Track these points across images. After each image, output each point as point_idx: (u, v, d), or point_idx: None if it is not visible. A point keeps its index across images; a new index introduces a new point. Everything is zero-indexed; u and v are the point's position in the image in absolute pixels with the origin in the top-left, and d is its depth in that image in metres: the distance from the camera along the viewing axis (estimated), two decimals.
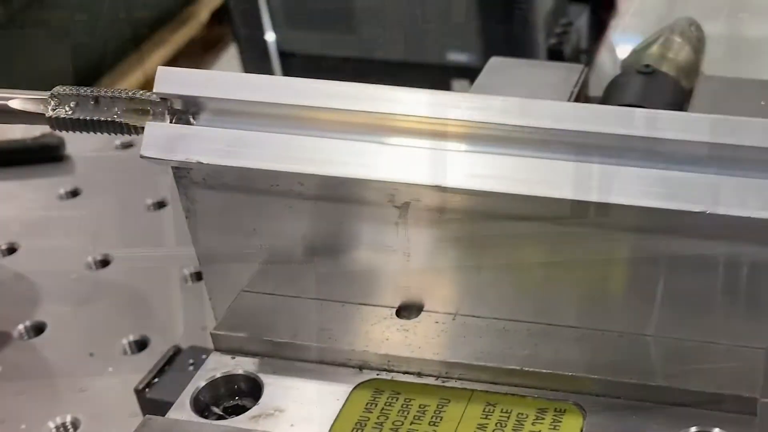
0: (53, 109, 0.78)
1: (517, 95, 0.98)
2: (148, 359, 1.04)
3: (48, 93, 0.79)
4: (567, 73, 1.07)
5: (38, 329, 1.13)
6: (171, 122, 0.73)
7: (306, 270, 0.76)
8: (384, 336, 0.73)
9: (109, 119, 0.76)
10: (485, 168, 0.67)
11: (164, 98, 0.74)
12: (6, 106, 0.80)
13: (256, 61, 3.04)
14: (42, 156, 1.39)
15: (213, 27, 4.06)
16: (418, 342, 0.72)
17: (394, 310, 0.75)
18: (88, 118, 0.77)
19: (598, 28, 2.92)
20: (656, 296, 0.69)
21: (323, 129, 0.71)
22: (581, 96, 1.07)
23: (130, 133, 0.76)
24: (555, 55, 2.54)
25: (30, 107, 0.80)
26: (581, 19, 2.83)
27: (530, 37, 2.67)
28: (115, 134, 0.77)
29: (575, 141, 0.66)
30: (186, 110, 0.73)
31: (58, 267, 1.21)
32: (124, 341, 1.09)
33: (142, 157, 0.73)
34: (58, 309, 1.15)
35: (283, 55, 3.00)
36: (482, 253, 0.72)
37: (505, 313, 0.73)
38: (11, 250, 1.26)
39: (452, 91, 0.78)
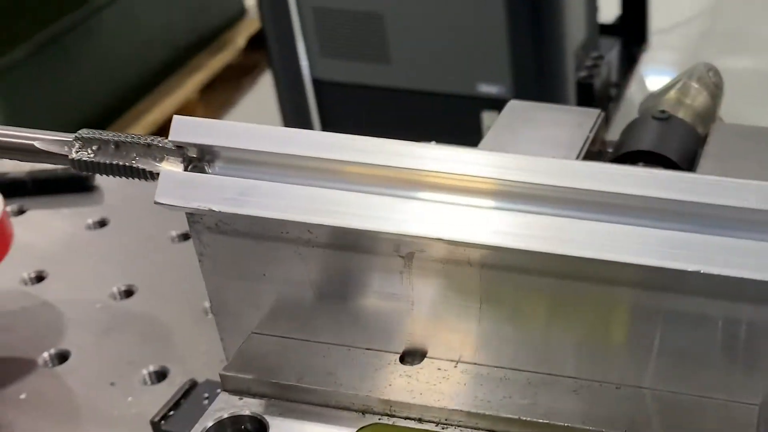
0: (76, 152, 0.80)
1: (534, 138, 1.01)
2: (167, 390, 1.06)
3: (72, 135, 0.81)
4: (583, 117, 1.08)
5: (62, 357, 1.15)
6: (186, 169, 0.75)
7: (314, 314, 0.77)
8: (387, 381, 0.74)
9: (128, 164, 0.78)
10: (479, 222, 0.68)
11: (179, 146, 0.75)
12: (32, 146, 0.83)
13: (290, 88, 3.06)
14: (72, 186, 1.41)
15: (250, 53, 4.10)
16: (420, 388, 0.73)
17: (398, 356, 0.76)
18: (108, 162, 0.79)
19: (629, 61, 2.93)
20: (654, 350, 0.70)
21: (332, 180, 0.73)
22: (597, 140, 1.08)
23: (146, 179, 0.77)
24: (584, 88, 2.56)
25: (54, 148, 0.82)
26: (612, 53, 2.84)
27: (560, 70, 2.68)
28: (134, 178, 0.78)
29: (579, 198, 0.67)
30: (200, 158, 0.75)
31: (83, 296, 1.23)
32: (144, 372, 1.10)
33: (156, 203, 0.74)
34: (82, 337, 1.17)
35: (317, 83, 3.02)
36: (486, 304, 0.73)
37: (505, 362, 0.74)
38: (39, 278, 1.28)
39: (464, 145, 0.80)
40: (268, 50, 3.06)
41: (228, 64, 4.12)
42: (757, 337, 0.68)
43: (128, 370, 1.11)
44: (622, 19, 3.44)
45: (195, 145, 0.75)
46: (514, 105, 1.13)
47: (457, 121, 2.68)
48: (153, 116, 3.71)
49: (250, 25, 4.12)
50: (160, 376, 1.11)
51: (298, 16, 2.95)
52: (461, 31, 2.74)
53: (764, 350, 0.68)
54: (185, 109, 3.85)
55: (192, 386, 0.97)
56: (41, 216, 1.40)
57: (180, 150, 0.75)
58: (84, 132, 0.81)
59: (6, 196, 1.42)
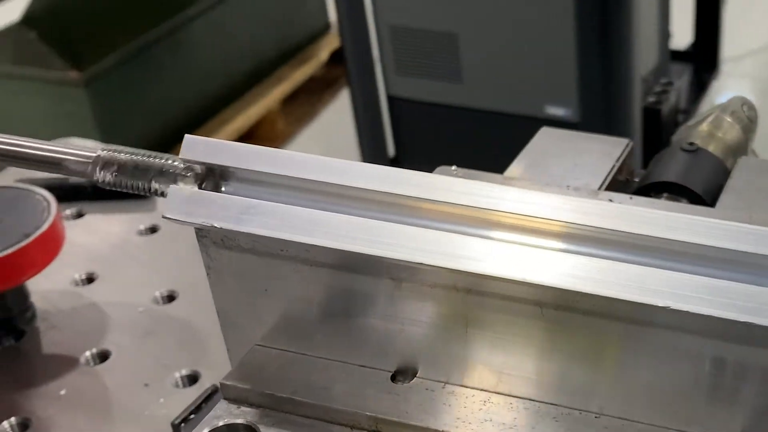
0: (100, 170, 0.82)
1: (560, 164, 1.01)
2: (196, 394, 1.08)
3: (96, 153, 0.83)
4: (610, 147, 1.08)
5: (103, 356, 1.18)
6: (200, 187, 0.77)
7: (312, 330, 0.79)
8: (376, 399, 0.75)
9: (144, 184, 0.80)
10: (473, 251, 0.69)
11: (189, 165, 0.77)
12: (62, 160, 0.85)
13: (365, 103, 3.08)
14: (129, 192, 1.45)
15: (332, 67, 4.13)
16: (406, 407, 0.74)
17: (390, 374, 0.77)
18: (126, 181, 0.81)
19: (700, 88, 2.90)
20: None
21: (332, 202, 0.74)
22: (624, 169, 1.08)
23: (162, 195, 0.80)
24: (651, 113, 2.54)
25: (80, 166, 0.84)
26: (683, 79, 2.82)
27: (627, 95, 2.66)
28: (150, 194, 0.81)
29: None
30: (210, 176, 0.77)
31: (128, 299, 1.26)
32: (177, 375, 1.13)
33: (164, 217, 0.76)
34: (123, 339, 1.20)
35: (391, 99, 3.04)
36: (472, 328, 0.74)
37: (491, 386, 0.75)
38: (90, 279, 1.31)
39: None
40: (346, 66, 3.09)
41: (310, 77, 4.16)
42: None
43: (162, 373, 1.14)
44: (695, 46, 3.41)
45: (203, 164, 0.76)
46: (545, 131, 1.13)
47: (523, 142, 2.66)
48: (235, 125, 3.75)
49: (334, 39, 4.15)
50: (192, 380, 1.13)
51: (375, 34, 2.97)
52: (531, 53, 2.74)
53: None
54: (266, 120, 3.90)
55: (214, 392, 0.99)
56: (98, 220, 1.43)
57: (191, 168, 0.77)
58: (105, 153, 0.83)
59: (67, 200, 1.47)
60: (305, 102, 4.17)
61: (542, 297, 0.69)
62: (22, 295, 1.22)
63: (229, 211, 0.75)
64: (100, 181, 0.82)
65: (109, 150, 0.83)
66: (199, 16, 3.74)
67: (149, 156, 0.81)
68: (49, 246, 1.17)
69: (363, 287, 0.75)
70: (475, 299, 0.71)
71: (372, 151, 3.11)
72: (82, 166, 0.83)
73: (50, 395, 1.13)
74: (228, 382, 0.78)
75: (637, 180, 1.09)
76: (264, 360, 0.80)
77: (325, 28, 4.25)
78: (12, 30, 4.06)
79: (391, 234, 0.72)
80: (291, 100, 4.07)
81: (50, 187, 1.33)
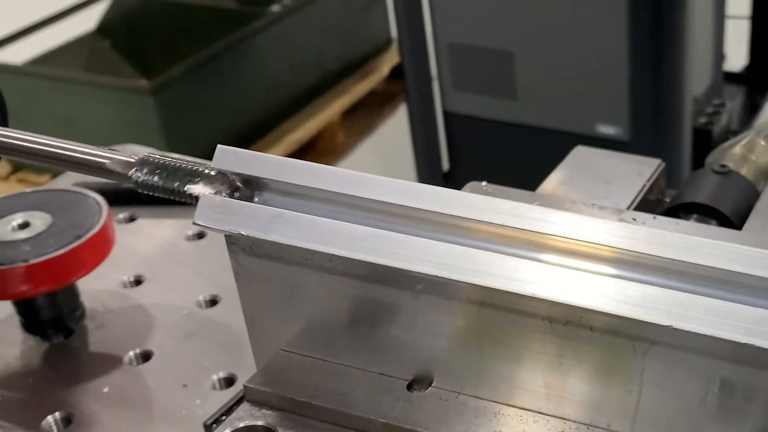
0: (137, 175, 0.84)
1: (592, 183, 1.01)
2: (232, 396, 1.09)
3: (135, 158, 0.85)
4: (642, 167, 1.08)
5: (146, 357, 1.19)
6: (231, 195, 0.78)
7: (334, 337, 0.80)
8: (391, 406, 0.76)
9: (179, 188, 0.82)
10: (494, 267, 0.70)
11: (222, 173, 0.79)
12: (103, 164, 0.87)
13: (422, 118, 3.09)
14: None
15: (393, 82, 4.14)
16: (419, 415, 0.75)
17: (407, 383, 0.78)
18: (161, 185, 0.83)
19: (752, 110, 2.87)
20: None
21: (354, 214, 0.75)
22: (655, 189, 1.08)
23: (194, 202, 0.81)
24: (702, 134, 2.52)
25: (120, 169, 0.86)
26: (735, 101, 2.79)
27: (678, 116, 2.65)
28: (184, 201, 0.82)
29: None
30: (245, 186, 0.78)
31: (172, 302, 1.28)
32: (215, 377, 1.14)
33: (194, 223, 0.78)
34: (166, 340, 1.21)
35: (447, 115, 3.05)
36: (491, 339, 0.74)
37: (503, 398, 0.75)
38: (138, 281, 1.33)
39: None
40: (405, 81, 3.10)
41: (371, 91, 4.18)
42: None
43: (201, 375, 1.15)
44: (749, 68, 3.38)
45: (234, 173, 0.78)
46: (580, 150, 1.14)
47: None
48: (296, 136, 3.78)
49: (395, 55, 4.17)
50: (229, 382, 1.14)
51: (434, 50, 2.99)
52: (584, 71, 2.73)
53: None
54: (326, 131, 3.92)
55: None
56: (148, 224, 1.45)
57: (221, 176, 0.79)
58: (144, 157, 0.85)
59: (121, 204, 1.49)
60: (365, 115, 4.19)
61: (554, 313, 0.69)
62: (73, 294, 1.24)
63: (256, 219, 0.76)
64: (136, 184, 0.83)
65: (148, 156, 0.85)
66: (265, 29, 3.78)
67: (185, 163, 0.82)
68: (99, 248, 1.19)
69: (384, 298, 0.76)
70: (492, 313, 0.72)
71: (427, 165, 3.12)
72: (121, 170, 0.85)
73: (94, 392, 1.15)
74: (251, 385, 0.80)
75: (668, 200, 1.08)
76: (287, 365, 0.81)
77: (388, 43, 4.27)
78: (87, 38, 4.14)
79: (411, 247, 0.73)
80: (351, 113, 4.09)
81: (104, 191, 1.35)
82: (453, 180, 3.10)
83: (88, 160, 0.88)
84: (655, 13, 2.56)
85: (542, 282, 0.68)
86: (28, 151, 0.90)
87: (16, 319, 1.24)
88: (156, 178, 0.83)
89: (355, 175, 0.76)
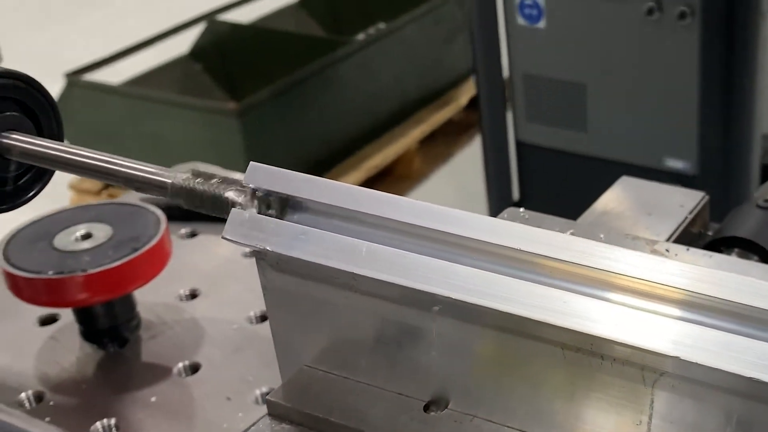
0: (173, 191, 0.84)
1: (633, 213, 0.99)
2: None
3: (173, 174, 0.85)
4: (686, 199, 1.06)
5: (194, 369, 1.19)
6: (261, 212, 0.78)
7: (356, 355, 0.78)
8: (406, 426, 0.74)
9: (210, 204, 0.81)
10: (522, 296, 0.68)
11: (255, 190, 0.78)
12: (144, 178, 0.87)
13: (495, 147, 3.08)
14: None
15: (470, 111, 4.13)
16: None
17: (424, 404, 0.76)
18: (196, 201, 0.82)
19: None
20: None
21: (383, 236, 0.74)
22: (698, 221, 1.05)
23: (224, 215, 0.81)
24: None
25: (155, 184, 0.86)
26: None
27: (746, 152, 2.59)
28: (215, 215, 0.82)
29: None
30: (278, 203, 0.77)
31: (224, 316, 1.28)
32: (258, 392, 1.13)
33: (223, 237, 0.77)
34: (214, 354, 1.21)
35: (519, 145, 3.03)
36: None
37: (522, 424, 0.73)
38: (193, 295, 1.33)
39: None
40: (479, 110, 3.09)
41: (449, 120, 4.17)
42: None
43: (245, 388, 1.15)
44: None
45: (266, 191, 0.77)
46: (625, 180, 1.11)
47: None
48: (374, 161, 3.78)
49: (474, 85, 4.16)
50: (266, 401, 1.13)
51: (509, 81, 2.97)
52: (655, 105, 2.70)
53: None
54: (404, 158, 3.92)
55: None
56: (208, 240, 1.46)
57: (253, 193, 0.78)
58: (180, 175, 0.85)
59: (183, 220, 1.50)
60: (442, 143, 4.18)
61: (566, 339, 0.67)
62: (130, 305, 1.25)
63: (282, 236, 0.75)
64: (172, 193, 0.83)
65: (186, 172, 0.84)
66: (350, 57, 3.79)
67: (220, 180, 0.82)
68: (155, 260, 1.20)
69: (406, 319, 0.75)
70: (506, 338, 0.70)
71: (498, 194, 3.10)
72: (159, 183, 0.84)
73: (142, 401, 1.15)
74: (273, 399, 0.79)
75: (710, 233, 1.05)
76: (309, 381, 0.80)
77: (468, 74, 4.26)
78: (180, 61, 4.20)
79: (432, 269, 0.71)
80: (428, 140, 4.08)
81: (170, 207, 1.36)
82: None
83: (121, 172, 0.88)
84: (726, 50, 2.52)
85: (553, 308, 0.66)
86: (79, 165, 0.90)
87: (75, 327, 1.24)
88: (193, 195, 0.82)
89: (384, 196, 0.75)
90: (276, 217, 0.77)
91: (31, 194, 0.98)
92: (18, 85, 0.94)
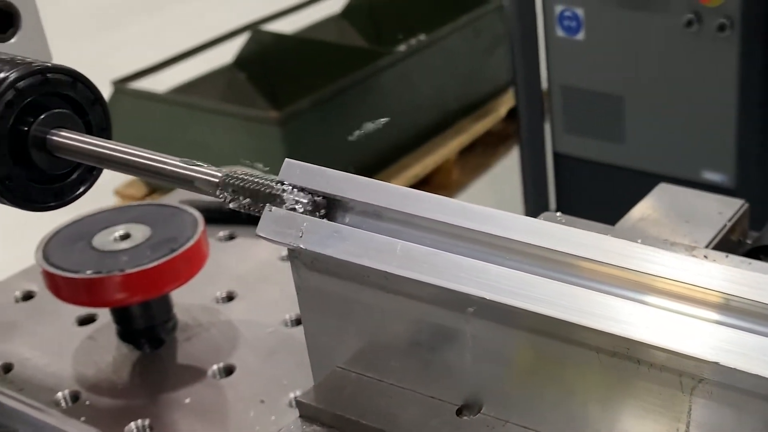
0: (220, 190, 0.82)
1: (671, 220, 0.96)
2: None
3: (222, 173, 0.83)
4: (725, 206, 1.03)
5: (228, 371, 1.18)
6: (306, 211, 0.76)
7: (388, 356, 0.76)
8: (437, 431, 0.72)
9: (252, 204, 0.79)
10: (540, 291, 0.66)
11: (294, 186, 0.76)
12: (197, 178, 0.85)
13: (532, 157, 3.05)
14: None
15: (509, 122, 4.10)
16: None
17: (457, 408, 0.74)
18: (241, 200, 0.80)
19: None
20: None
21: (417, 234, 0.72)
22: (737, 229, 1.03)
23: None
24: None
25: (207, 185, 0.84)
26: None
27: None
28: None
29: None
30: (317, 202, 0.76)
31: (260, 319, 1.26)
32: (291, 395, 1.12)
33: (257, 235, 0.76)
34: (249, 356, 1.20)
35: (557, 156, 3.01)
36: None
37: (555, 430, 0.71)
38: (230, 297, 1.32)
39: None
40: (518, 121, 3.07)
41: (488, 131, 4.15)
42: None
43: (279, 392, 1.13)
44: None
45: (300, 188, 0.75)
46: (663, 187, 1.09)
47: None
48: (414, 171, 3.77)
49: (513, 97, 4.13)
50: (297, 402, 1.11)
51: (548, 93, 2.95)
52: (692, 118, 2.67)
53: None
54: (443, 167, 3.90)
55: None
56: (246, 243, 1.44)
57: (289, 190, 0.76)
58: (227, 176, 0.82)
59: (223, 223, 1.49)
60: (481, 154, 4.15)
61: (601, 343, 0.65)
62: (166, 306, 1.24)
63: (316, 234, 0.73)
64: (222, 200, 0.81)
65: (232, 172, 0.82)
66: (390, 68, 3.78)
67: (267, 180, 0.80)
68: (192, 261, 1.19)
69: (439, 320, 0.72)
70: (541, 340, 0.68)
71: (535, 205, 3.08)
72: (211, 183, 0.82)
73: (176, 402, 1.14)
74: (304, 401, 0.77)
75: (749, 241, 1.03)
76: (341, 382, 0.78)
77: (506, 85, 4.23)
78: (224, 70, 4.22)
79: (467, 269, 0.69)
80: (467, 151, 4.06)
81: (209, 210, 1.35)
82: None
83: (178, 173, 0.86)
84: (765, 62, 2.49)
85: (589, 311, 0.63)
86: (126, 163, 0.88)
87: (113, 328, 1.23)
88: (237, 196, 0.80)
89: (419, 194, 0.73)
90: (312, 215, 0.75)
91: (79, 192, 0.96)
92: (67, 81, 0.91)
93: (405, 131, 3.85)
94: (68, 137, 0.88)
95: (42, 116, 0.89)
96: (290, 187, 0.76)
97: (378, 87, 3.75)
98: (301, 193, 0.76)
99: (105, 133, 0.97)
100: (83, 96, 0.93)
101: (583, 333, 0.64)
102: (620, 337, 0.62)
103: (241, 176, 0.81)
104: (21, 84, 0.86)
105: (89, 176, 0.96)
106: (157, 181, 0.89)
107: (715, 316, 0.63)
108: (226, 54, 4.32)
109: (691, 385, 0.62)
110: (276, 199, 0.77)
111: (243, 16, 4.60)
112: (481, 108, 4.19)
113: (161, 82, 4.05)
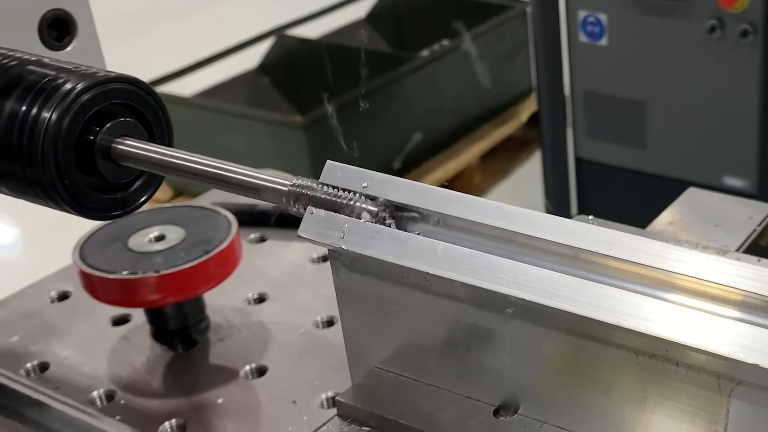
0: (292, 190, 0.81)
1: (700, 224, 0.96)
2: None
3: (290, 182, 0.82)
4: (755, 211, 1.03)
5: (261, 372, 1.18)
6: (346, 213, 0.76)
7: (426, 357, 0.77)
8: (474, 431, 0.72)
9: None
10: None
11: (329, 186, 0.77)
12: (259, 185, 0.84)
13: (554, 162, 3.05)
14: None
15: (531, 127, 4.10)
16: None
17: (494, 408, 0.74)
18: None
19: None
20: None
21: (458, 236, 0.73)
22: (766, 234, 1.02)
23: None
24: None
25: (275, 193, 0.83)
26: None
27: None
28: None
29: None
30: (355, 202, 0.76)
31: (291, 320, 1.27)
32: (323, 396, 1.12)
33: (298, 236, 0.76)
34: (281, 357, 1.20)
35: (579, 161, 3.01)
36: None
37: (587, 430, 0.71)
38: (261, 299, 1.32)
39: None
40: (540, 127, 3.07)
41: (509, 136, 4.15)
42: None
43: (310, 392, 1.13)
44: None
45: (335, 186, 0.76)
46: (692, 192, 1.09)
47: None
48: (436, 176, 3.77)
49: (534, 102, 4.13)
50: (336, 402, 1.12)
51: (570, 98, 2.95)
52: (715, 123, 2.66)
53: None
54: (464, 172, 3.90)
55: None
56: (277, 246, 1.45)
57: (331, 191, 0.77)
58: (295, 186, 0.82)
59: (254, 225, 1.49)
60: (502, 159, 4.15)
61: (640, 345, 0.65)
62: (199, 307, 1.24)
63: (356, 234, 0.74)
64: (293, 211, 0.81)
65: (300, 181, 0.81)
66: (413, 73, 3.78)
67: (334, 188, 0.79)
68: (225, 263, 1.19)
69: (478, 320, 0.73)
70: (579, 342, 0.68)
71: (556, 210, 3.08)
72: (277, 194, 0.82)
73: (209, 402, 1.14)
74: (343, 400, 0.77)
75: None
76: (379, 382, 0.78)
77: (528, 90, 4.23)
78: (249, 75, 4.23)
79: (505, 269, 0.69)
80: (489, 155, 4.06)
81: (240, 212, 1.36)
82: None
83: (246, 182, 0.85)
84: None
85: (629, 312, 0.63)
86: (191, 171, 0.87)
87: (147, 328, 1.24)
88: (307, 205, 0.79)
89: (458, 195, 0.74)
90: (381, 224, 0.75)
91: (142, 200, 0.95)
92: (129, 90, 0.91)
93: (427, 136, 3.85)
94: (133, 146, 0.88)
95: (107, 125, 0.88)
96: (357, 195, 0.76)
97: (401, 92, 3.76)
98: (369, 202, 0.75)
99: (167, 141, 0.96)
100: (145, 104, 0.93)
101: (621, 334, 0.65)
102: (659, 338, 0.63)
103: (308, 185, 0.80)
104: (86, 96, 0.86)
105: (152, 184, 0.95)
106: (223, 188, 0.88)
107: (754, 318, 0.63)
108: (251, 59, 4.33)
109: (729, 387, 0.62)
110: (345, 208, 0.76)
111: (268, 21, 4.61)
112: (502, 113, 4.18)
113: (188, 87, 4.06)
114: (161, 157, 0.86)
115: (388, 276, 0.75)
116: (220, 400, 1.14)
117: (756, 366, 0.59)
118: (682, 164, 2.77)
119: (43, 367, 1.21)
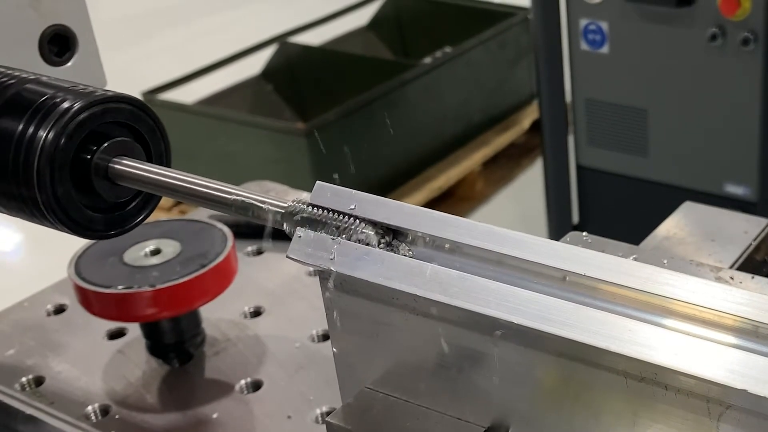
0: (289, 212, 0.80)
1: (696, 239, 0.96)
2: None
3: (287, 204, 0.81)
4: (750, 225, 1.02)
5: (256, 386, 1.18)
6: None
7: (416, 378, 0.76)
8: None
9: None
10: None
11: (323, 208, 0.76)
12: (261, 209, 0.83)
13: (556, 170, 3.05)
14: None
15: (533, 135, 4.10)
16: None
17: (483, 430, 0.74)
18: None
19: None
20: None
21: (447, 258, 0.72)
22: (762, 249, 1.02)
23: None
24: None
25: (271, 214, 0.82)
26: None
27: None
28: None
29: None
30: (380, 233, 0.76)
31: (287, 334, 1.26)
32: (318, 411, 1.12)
33: (287, 257, 0.76)
34: (276, 371, 1.20)
35: (580, 169, 3.01)
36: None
37: None
38: (257, 313, 1.32)
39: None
40: (541, 134, 3.07)
41: (511, 143, 4.15)
42: None
43: (306, 407, 1.13)
44: None
45: (327, 209, 0.76)
46: (688, 206, 1.08)
47: None
48: (438, 183, 3.77)
49: (536, 109, 4.13)
50: (326, 423, 1.11)
51: (571, 105, 2.95)
52: (716, 131, 2.66)
53: None
54: (466, 180, 3.90)
55: None
56: (274, 258, 1.44)
57: (322, 213, 0.76)
58: (294, 206, 0.81)
59: (250, 238, 1.49)
60: (504, 166, 4.15)
61: (629, 368, 0.64)
62: (195, 320, 1.24)
63: (346, 256, 0.73)
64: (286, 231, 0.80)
65: (295, 201, 0.80)
66: (416, 80, 3.79)
67: (324, 209, 0.78)
68: (221, 276, 1.19)
69: (467, 342, 0.72)
70: (568, 364, 0.68)
71: (558, 217, 3.08)
72: (274, 216, 0.81)
73: (203, 417, 1.14)
74: (333, 421, 0.77)
75: None
76: (369, 403, 0.78)
77: (530, 98, 4.23)
78: (252, 82, 4.23)
79: (494, 292, 0.69)
80: (491, 162, 4.06)
81: (237, 225, 1.35)
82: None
83: (239, 201, 0.84)
84: None
85: (618, 336, 0.63)
86: (188, 192, 0.86)
87: (142, 342, 1.24)
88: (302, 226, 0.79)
89: (447, 217, 0.73)
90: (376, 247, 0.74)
91: (139, 219, 0.94)
92: (127, 109, 0.90)
93: (429, 143, 3.85)
94: (130, 165, 0.87)
95: (104, 145, 0.88)
96: (357, 221, 0.75)
97: (404, 99, 3.76)
98: (369, 227, 0.75)
99: (164, 160, 0.95)
100: (143, 124, 0.92)
101: (610, 358, 0.64)
102: (648, 362, 0.62)
103: (306, 208, 0.79)
104: (83, 115, 0.85)
105: (149, 203, 0.94)
106: (218, 210, 0.87)
107: (744, 342, 0.62)
108: (253, 66, 4.34)
109: (718, 411, 0.62)
110: (345, 232, 0.76)
111: (270, 28, 4.62)
112: (504, 120, 4.19)
113: (190, 94, 4.06)
114: (158, 177, 0.85)
115: (377, 297, 0.74)
116: (215, 415, 1.14)
117: (744, 391, 0.59)
118: (683, 172, 2.76)
119: (39, 381, 1.20)
